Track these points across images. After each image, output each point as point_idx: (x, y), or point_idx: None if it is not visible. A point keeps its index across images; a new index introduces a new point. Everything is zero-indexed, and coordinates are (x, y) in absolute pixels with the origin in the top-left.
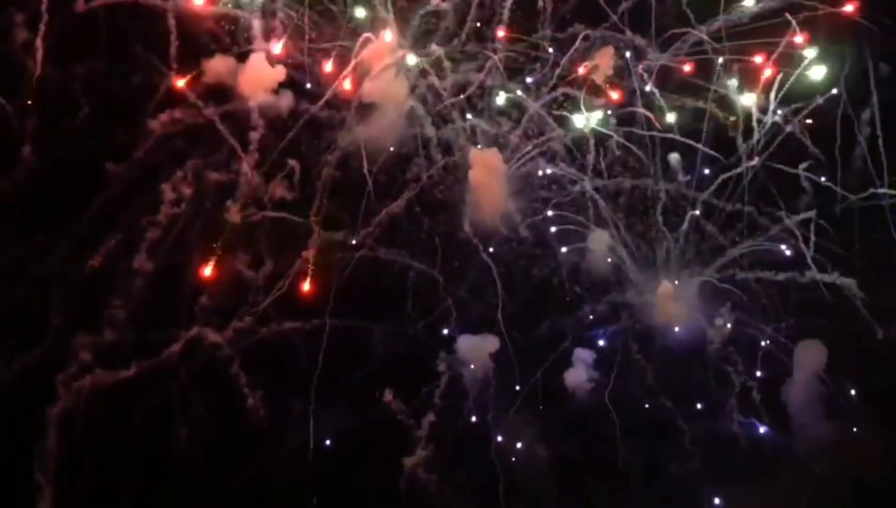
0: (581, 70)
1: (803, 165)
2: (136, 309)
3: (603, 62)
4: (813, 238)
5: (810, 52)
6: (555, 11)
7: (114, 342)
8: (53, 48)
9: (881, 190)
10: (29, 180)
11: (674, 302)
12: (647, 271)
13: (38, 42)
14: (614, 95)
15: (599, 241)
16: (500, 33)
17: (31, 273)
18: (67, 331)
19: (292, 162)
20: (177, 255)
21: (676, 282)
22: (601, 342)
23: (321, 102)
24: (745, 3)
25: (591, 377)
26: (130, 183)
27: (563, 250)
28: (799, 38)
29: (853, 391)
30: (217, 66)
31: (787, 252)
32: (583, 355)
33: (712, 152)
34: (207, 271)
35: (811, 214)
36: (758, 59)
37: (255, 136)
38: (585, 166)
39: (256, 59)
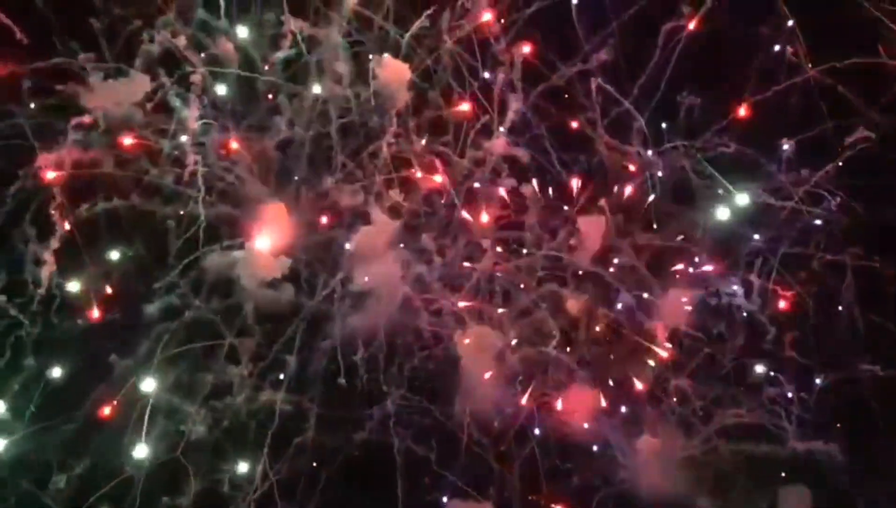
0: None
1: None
2: None
3: (591, 237)
4: (796, 412)
5: None
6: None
7: None
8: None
9: (862, 366)
10: None
11: (657, 461)
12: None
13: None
14: None
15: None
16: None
17: None
18: None
19: (289, 358)
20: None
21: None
22: None
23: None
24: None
25: None
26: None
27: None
28: None
29: None
30: (217, 261)
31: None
32: None
33: (695, 333)
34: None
35: (790, 389)
36: None
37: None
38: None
39: (257, 252)
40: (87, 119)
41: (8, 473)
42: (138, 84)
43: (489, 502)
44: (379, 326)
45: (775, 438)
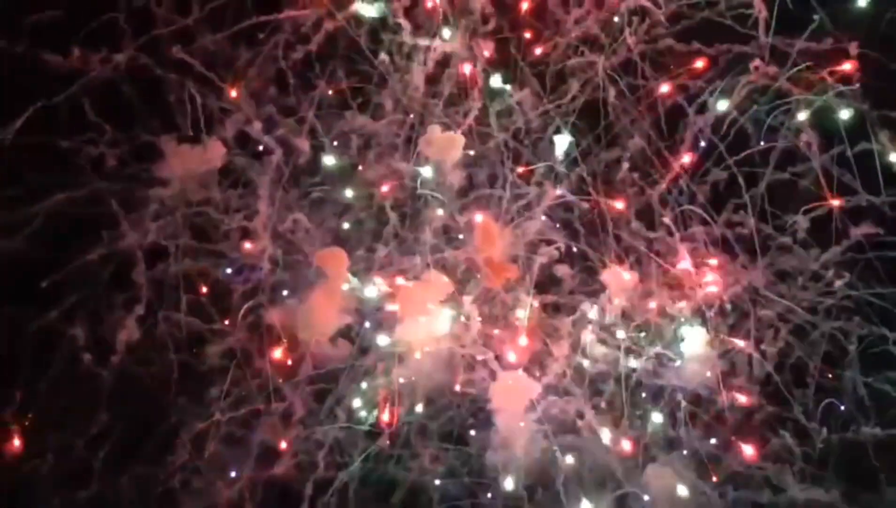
0: None
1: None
2: None
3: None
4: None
5: None
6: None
7: None
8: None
9: (865, 428)
10: None
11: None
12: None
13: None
14: None
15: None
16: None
17: None
18: None
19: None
20: None
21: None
22: None
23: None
24: None
25: None
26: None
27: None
28: None
29: None
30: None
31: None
32: None
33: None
34: None
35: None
36: None
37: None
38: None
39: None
40: (163, 190)
41: None
42: (213, 151)
43: None
44: (420, 382)
45: (778, 487)
